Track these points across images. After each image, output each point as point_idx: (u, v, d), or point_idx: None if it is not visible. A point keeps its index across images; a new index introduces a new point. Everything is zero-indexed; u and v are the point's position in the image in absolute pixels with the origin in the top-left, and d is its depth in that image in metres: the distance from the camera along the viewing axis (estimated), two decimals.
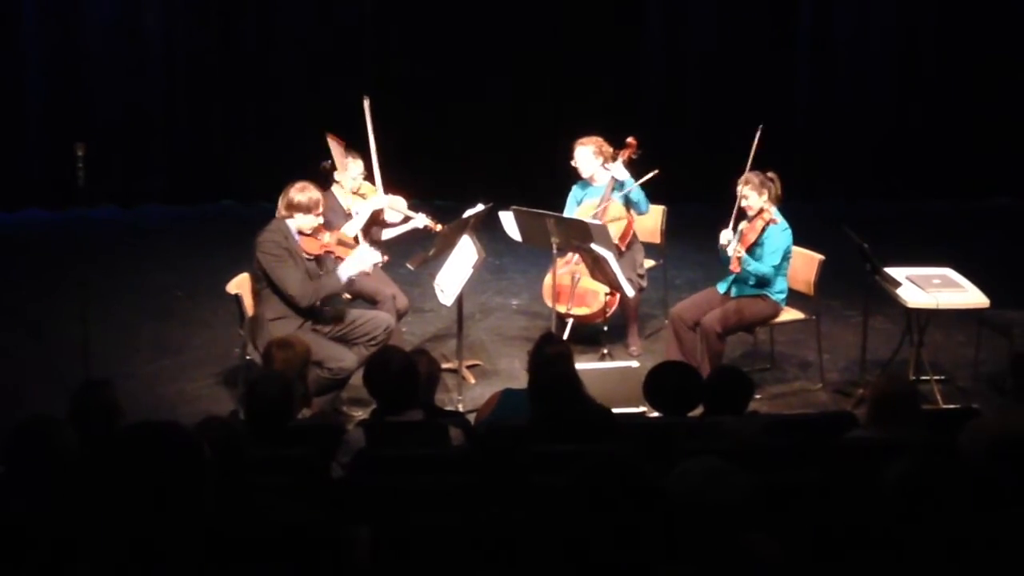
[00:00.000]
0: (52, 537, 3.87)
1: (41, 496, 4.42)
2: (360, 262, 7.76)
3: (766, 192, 8.06)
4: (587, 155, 8.84)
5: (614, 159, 8.80)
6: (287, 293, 7.57)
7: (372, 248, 7.88)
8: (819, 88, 13.15)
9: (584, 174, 8.91)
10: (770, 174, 8.12)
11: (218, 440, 4.60)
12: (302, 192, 7.72)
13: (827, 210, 12.18)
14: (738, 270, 7.98)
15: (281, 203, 7.74)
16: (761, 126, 8.13)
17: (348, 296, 8.29)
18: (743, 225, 8.10)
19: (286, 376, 6.07)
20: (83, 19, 12.34)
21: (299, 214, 7.68)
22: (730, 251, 7.99)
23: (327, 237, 7.89)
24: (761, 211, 8.04)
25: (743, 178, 8.10)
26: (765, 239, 8.02)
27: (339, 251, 7.93)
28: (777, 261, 8.03)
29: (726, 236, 8.07)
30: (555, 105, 12.68)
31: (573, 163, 8.88)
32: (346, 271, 7.72)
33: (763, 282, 8.09)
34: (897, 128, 13.15)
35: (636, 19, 12.96)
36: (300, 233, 7.73)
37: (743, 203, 8.07)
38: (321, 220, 7.82)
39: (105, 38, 12.39)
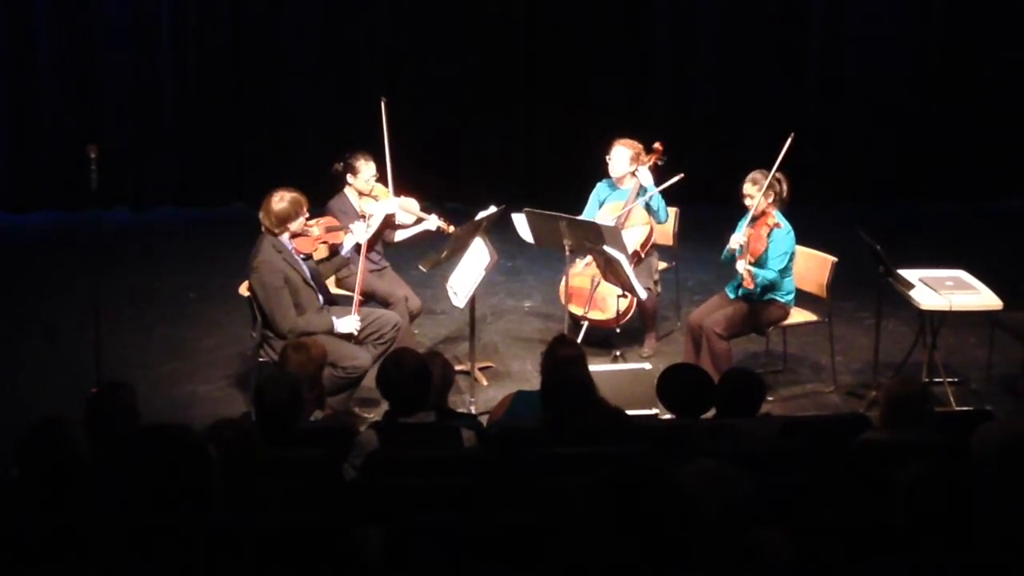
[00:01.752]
0: (63, 538, 3.88)
1: (53, 498, 4.43)
2: (354, 324, 7.72)
3: (772, 193, 8.05)
4: (623, 156, 8.84)
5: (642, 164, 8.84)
6: (275, 324, 7.57)
7: (354, 317, 7.82)
8: (831, 90, 13.11)
9: (614, 174, 8.91)
10: (777, 175, 8.11)
11: (231, 442, 4.61)
12: (282, 201, 7.67)
13: (840, 212, 12.17)
14: (752, 285, 7.96)
15: (267, 221, 7.67)
16: (793, 133, 8.10)
17: (359, 296, 8.30)
18: (747, 231, 8.06)
19: (294, 378, 6.08)
20: (95, 22, 12.36)
21: (290, 223, 7.67)
22: (740, 268, 7.96)
23: (315, 230, 7.91)
24: (764, 214, 8.02)
25: (750, 177, 8.10)
26: (770, 245, 8.00)
27: (330, 239, 7.98)
28: (782, 265, 8.02)
29: (737, 240, 8.05)
30: (567, 107, 12.67)
31: (608, 158, 8.88)
32: (341, 325, 7.69)
33: (770, 287, 8.08)
34: (909, 129, 13.12)
35: (647, 21, 12.95)
36: (293, 236, 7.74)
37: (747, 202, 8.07)
38: (307, 215, 7.81)
39: (117, 41, 12.41)
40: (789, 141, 8.05)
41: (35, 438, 4.65)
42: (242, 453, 4.66)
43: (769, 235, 7.97)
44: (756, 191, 8.03)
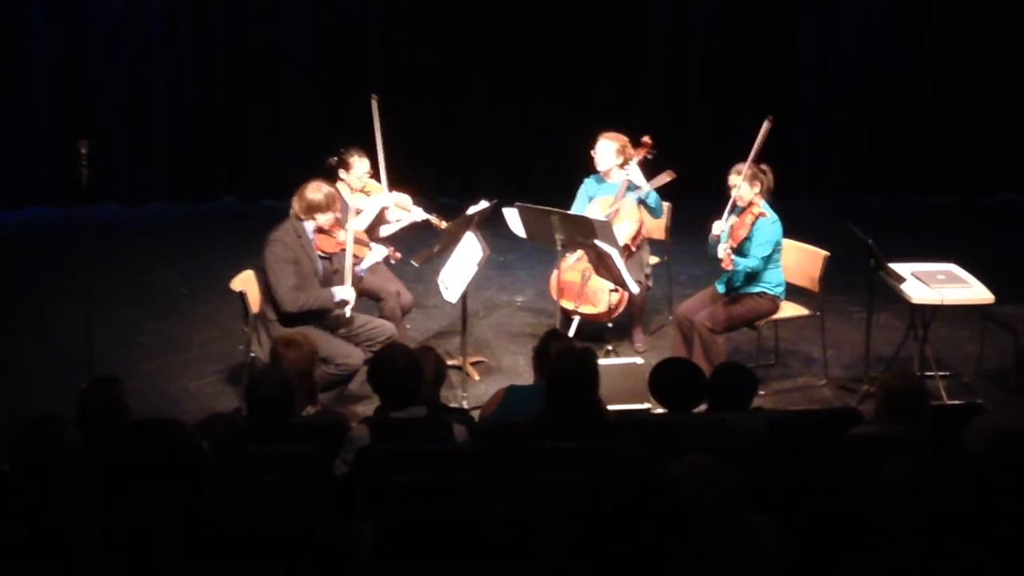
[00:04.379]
0: (55, 534, 3.87)
1: (45, 493, 4.42)
2: (351, 295, 7.77)
3: (758, 184, 8.07)
4: (608, 150, 8.85)
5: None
6: (276, 295, 7.62)
7: (348, 288, 7.85)
8: (824, 84, 13.13)
9: (600, 167, 8.92)
10: (763, 166, 8.12)
11: (222, 437, 4.60)
12: (318, 191, 7.77)
13: (832, 206, 12.19)
14: (730, 267, 7.97)
15: (297, 205, 7.77)
16: (770, 117, 8.09)
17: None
18: (733, 220, 8.09)
19: (286, 373, 6.07)
20: (88, 17, 12.34)
21: (319, 214, 7.72)
22: (720, 251, 7.97)
23: (342, 235, 7.93)
24: (751, 204, 8.04)
25: (735, 168, 8.11)
26: (755, 233, 8.02)
27: (355, 249, 7.98)
28: (766, 252, 8.02)
29: (719, 227, 8.08)
30: (560, 103, 12.67)
31: (593, 152, 8.89)
32: (340, 293, 7.73)
33: (753, 275, 8.08)
34: (901, 123, 13.13)
35: (639, 16, 12.95)
36: (319, 231, 7.76)
37: (734, 192, 8.07)
38: (338, 215, 7.87)
39: (109, 36, 12.40)
40: (765, 126, 8.05)
41: (26, 434, 4.65)
42: (234, 448, 4.66)
43: (754, 223, 7.99)
44: (740, 181, 8.04)
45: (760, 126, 8.06)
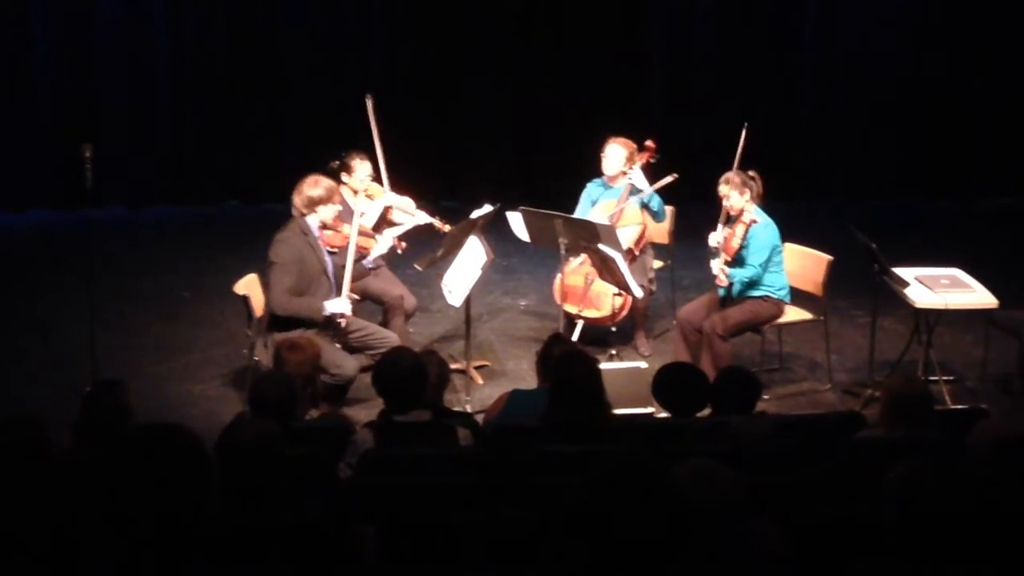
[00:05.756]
0: (49, 538, 3.86)
1: (27, 496, 4.39)
2: (345, 306, 7.69)
3: (748, 191, 8.08)
4: (617, 154, 8.85)
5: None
6: (269, 293, 7.61)
7: (348, 298, 7.78)
8: (825, 87, 13.13)
9: (607, 172, 8.92)
10: (751, 173, 8.15)
11: (256, 441, 4.59)
12: (316, 186, 7.75)
13: (835, 210, 12.17)
14: (725, 284, 7.98)
15: (298, 201, 7.74)
16: (746, 124, 8.13)
17: (356, 296, 8.28)
18: (725, 231, 8.10)
19: (290, 377, 6.07)
20: (90, 20, 12.35)
21: (320, 207, 7.70)
22: (714, 268, 7.99)
23: (347, 228, 7.90)
24: (742, 212, 8.04)
25: (724, 177, 8.14)
26: (749, 241, 8.02)
27: (361, 242, 7.96)
28: (763, 258, 8.02)
29: (715, 238, 8.10)
30: (562, 106, 12.68)
31: (603, 155, 8.88)
32: (331, 307, 7.64)
33: (753, 283, 8.08)
34: (904, 127, 13.13)
35: (641, 18, 12.96)
36: (323, 227, 7.74)
37: (725, 202, 8.10)
38: (340, 207, 7.84)
39: (112, 39, 12.40)
40: (744, 134, 8.07)
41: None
42: (269, 452, 4.62)
43: (746, 232, 8.00)
44: (730, 190, 8.06)
45: (741, 133, 8.11)
